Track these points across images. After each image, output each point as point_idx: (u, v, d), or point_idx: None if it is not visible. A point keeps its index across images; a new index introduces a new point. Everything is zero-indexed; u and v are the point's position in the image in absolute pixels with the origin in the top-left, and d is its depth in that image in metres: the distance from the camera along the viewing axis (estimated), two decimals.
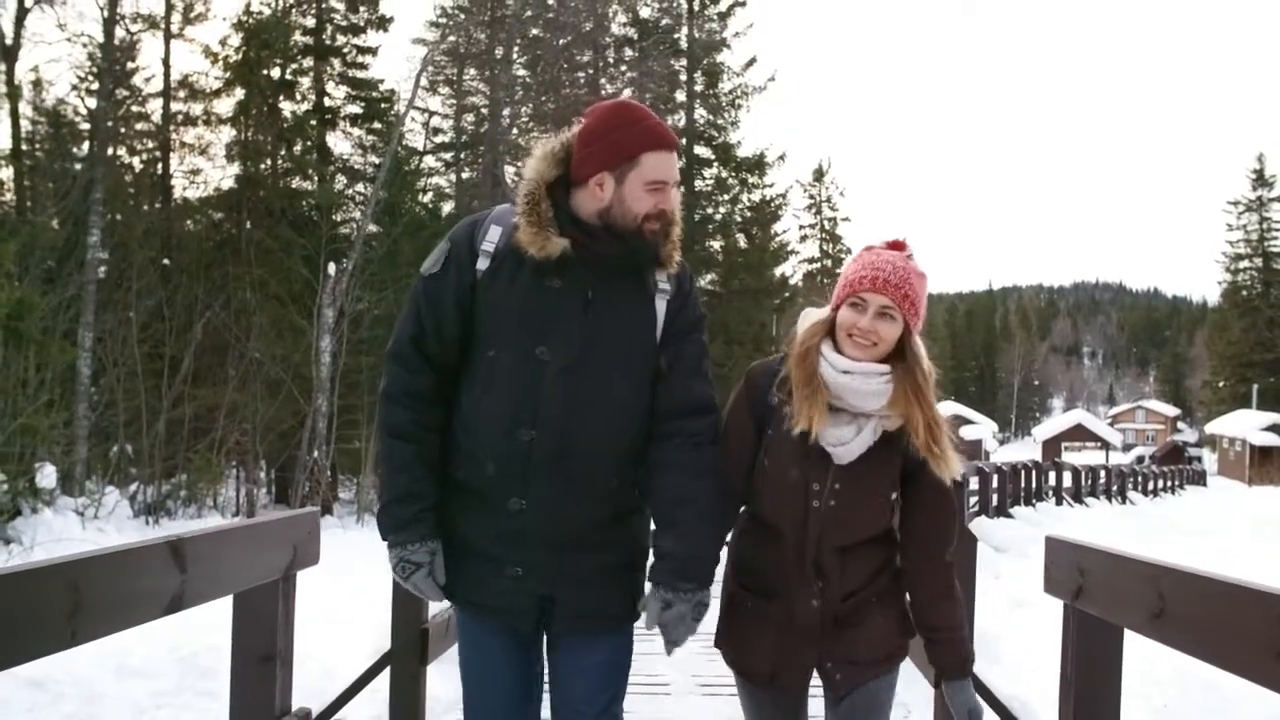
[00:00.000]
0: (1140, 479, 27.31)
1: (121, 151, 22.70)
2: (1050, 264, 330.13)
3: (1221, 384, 63.36)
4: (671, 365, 2.30)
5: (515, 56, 29.22)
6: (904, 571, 2.34)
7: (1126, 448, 75.65)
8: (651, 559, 2.33)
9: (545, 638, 2.41)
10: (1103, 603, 2.43)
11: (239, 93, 22.84)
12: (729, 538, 2.48)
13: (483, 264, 2.24)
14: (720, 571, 2.44)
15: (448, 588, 2.34)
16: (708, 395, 2.34)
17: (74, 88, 22.56)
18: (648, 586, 2.31)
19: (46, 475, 12.34)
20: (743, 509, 2.45)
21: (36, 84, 21.17)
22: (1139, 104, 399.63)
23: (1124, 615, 2.32)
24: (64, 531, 12.00)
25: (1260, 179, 62.71)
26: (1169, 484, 30.32)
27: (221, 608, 6.00)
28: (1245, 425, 53.28)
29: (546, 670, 2.44)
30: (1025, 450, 63.04)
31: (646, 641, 2.38)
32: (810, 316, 2.37)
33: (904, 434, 2.25)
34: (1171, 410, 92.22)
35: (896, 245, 2.30)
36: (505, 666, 2.36)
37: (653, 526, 2.37)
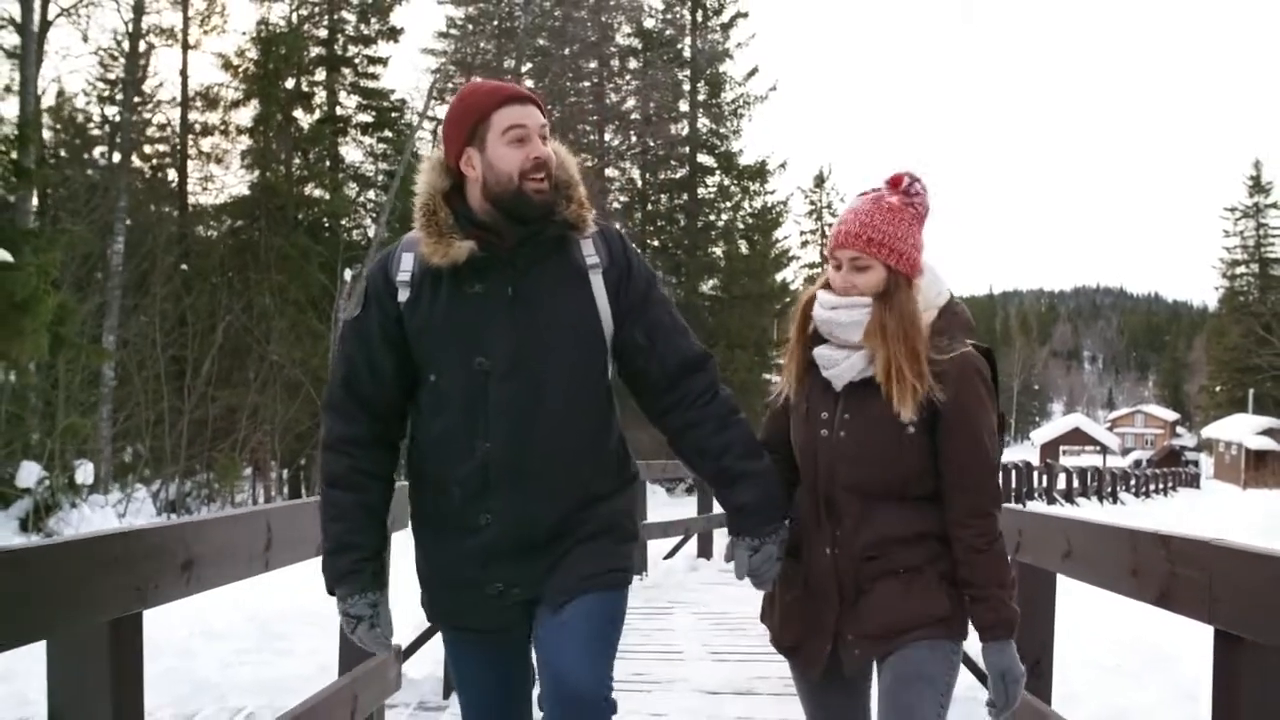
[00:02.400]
0: (1133, 481, 27.93)
1: (137, 161, 23.38)
2: (1051, 269, 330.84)
3: (1218, 388, 63.91)
4: (650, 335, 2.22)
5: (524, 71, 29.83)
6: (949, 530, 2.18)
7: (1125, 452, 76.22)
8: (727, 517, 2.29)
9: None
10: (1034, 552, 3.08)
11: (255, 103, 23.58)
12: None
13: (403, 295, 2.17)
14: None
15: (430, 612, 2.33)
16: (697, 349, 2.28)
17: (97, 97, 23.37)
18: (722, 540, 2.46)
19: (85, 472, 13.03)
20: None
21: (59, 94, 21.94)
22: (1140, 108, 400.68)
23: (1047, 560, 2.97)
24: (104, 525, 12.73)
25: (1257, 185, 63.24)
26: (1160, 486, 30.94)
27: (289, 579, 6.67)
28: (1241, 429, 53.91)
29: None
30: (1024, 454, 63.56)
31: (662, 618, 2.25)
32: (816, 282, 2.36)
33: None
34: (1170, 415, 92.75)
35: (895, 182, 2.24)
36: (496, 669, 2.33)
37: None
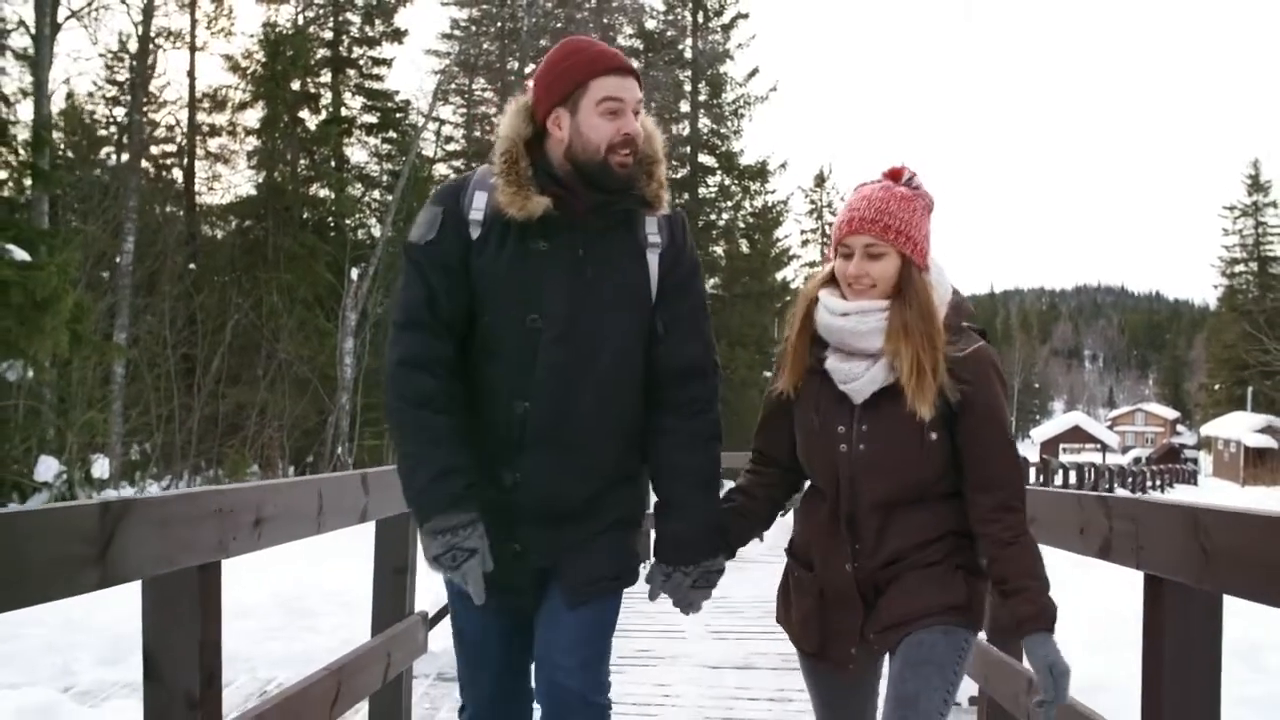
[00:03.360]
0: (1130, 478, 28.25)
1: (145, 164, 23.72)
2: (1052, 267, 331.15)
3: (1217, 386, 64.19)
4: (668, 327, 2.18)
5: (527, 72, 30.13)
6: (972, 527, 2.13)
7: (1125, 450, 76.54)
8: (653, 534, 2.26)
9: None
10: None
11: (262, 104, 23.91)
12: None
13: (474, 232, 2.11)
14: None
15: (434, 564, 2.18)
16: (705, 358, 2.22)
17: (102, 97, 23.71)
18: (649, 561, 2.27)
19: (101, 467, 13.36)
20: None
21: (68, 96, 22.28)
22: (1141, 107, 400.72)
23: None
24: None
25: (1256, 184, 63.52)
26: (1157, 483, 31.26)
27: (310, 564, 7.01)
28: (1240, 427, 54.20)
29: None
30: (1024, 452, 63.59)
31: (664, 600, 2.32)
32: (815, 278, 2.30)
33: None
34: (1170, 413, 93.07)
35: (894, 174, 2.20)
36: (502, 640, 2.27)
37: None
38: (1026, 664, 3.63)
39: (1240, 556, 1.87)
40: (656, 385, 2.20)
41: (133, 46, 21.60)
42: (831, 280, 2.20)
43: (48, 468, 12.76)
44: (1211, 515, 1.95)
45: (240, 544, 2.32)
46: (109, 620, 5.74)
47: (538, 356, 2.09)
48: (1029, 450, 67.32)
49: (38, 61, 16.34)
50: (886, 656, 2.20)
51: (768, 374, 2.91)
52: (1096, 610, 6.17)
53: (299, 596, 6.05)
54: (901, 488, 2.13)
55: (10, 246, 11.87)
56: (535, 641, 2.25)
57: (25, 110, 16.89)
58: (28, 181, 15.17)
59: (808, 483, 2.31)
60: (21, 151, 14.37)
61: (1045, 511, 2.85)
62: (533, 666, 2.27)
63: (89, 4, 19.56)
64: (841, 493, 2.14)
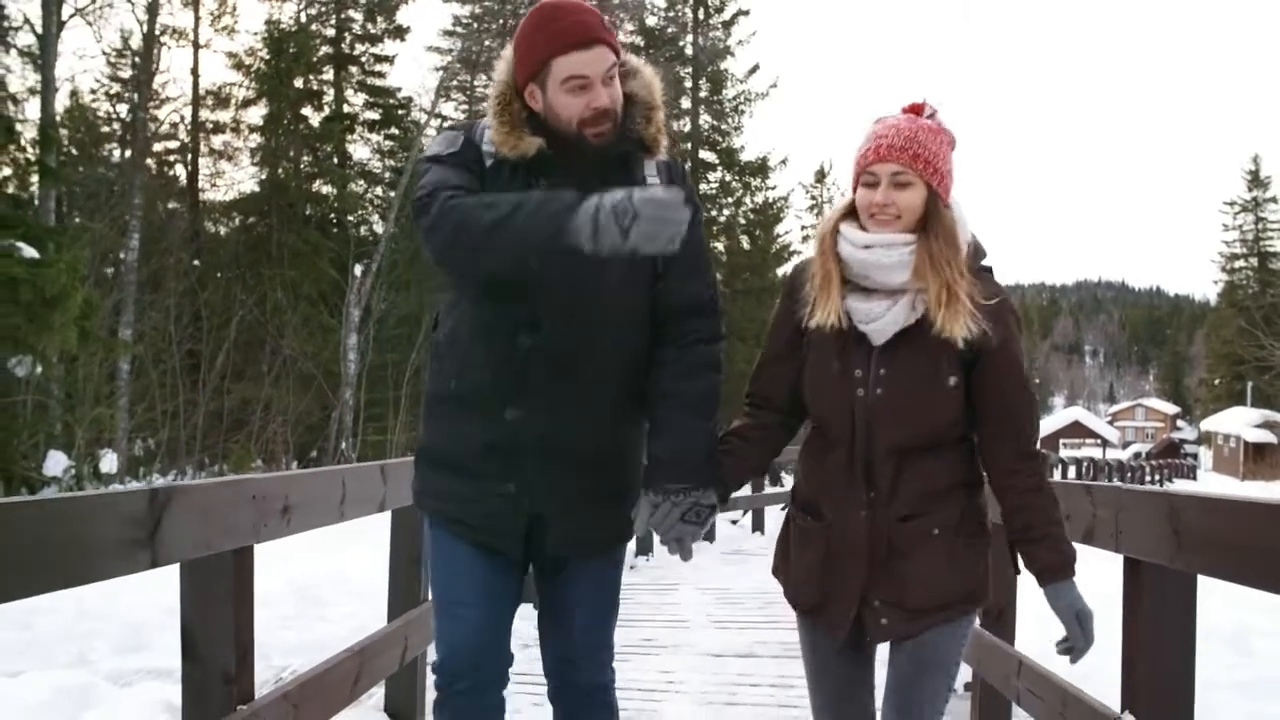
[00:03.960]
0: (1129, 473, 28.39)
1: (149, 161, 23.86)
2: (1052, 263, 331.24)
3: (1217, 382, 64.32)
4: (669, 264, 2.14)
5: None
6: (989, 478, 2.14)
7: (1125, 445, 76.69)
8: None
9: (531, 569, 2.28)
10: (993, 514, 3.53)
11: (265, 101, 24.05)
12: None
13: (488, 161, 2.12)
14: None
15: (422, 498, 2.27)
16: (706, 294, 2.22)
17: (104, 94, 23.85)
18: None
19: (109, 462, 13.50)
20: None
21: (72, 93, 22.42)
22: (1142, 102, 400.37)
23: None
24: None
25: (1256, 180, 63.61)
26: (1156, 478, 31.41)
27: (324, 555, 7.15)
28: (1239, 422, 54.32)
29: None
30: None
31: (669, 592, 2.25)
32: (830, 208, 2.21)
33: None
34: (1171, 408, 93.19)
35: (915, 109, 2.14)
36: (486, 588, 2.18)
37: None
38: (1018, 646, 3.79)
39: (1211, 539, 2.01)
40: (659, 323, 2.18)
41: (136, 43, 21.76)
42: (849, 214, 2.12)
43: (56, 462, 12.88)
44: (1184, 500, 2.09)
45: (271, 529, 2.45)
46: (125, 608, 5.89)
47: (542, 294, 2.08)
48: None
49: (44, 59, 16.47)
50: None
51: None
52: (1090, 597, 6.31)
53: (311, 585, 6.19)
54: (917, 434, 2.07)
55: (19, 244, 12.01)
56: (541, 634, 2.28)
57: (31, 108, 17.10)
58: (34, 179, 15.31)
59: (807, 429, 2.23)
60: (29, 149, 14.49)
61: None
62: (541, 656, 2.30)
63: (93, 1, 19.75)
64: (857, 438, 2.07)
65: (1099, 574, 3.55)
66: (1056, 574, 2.05)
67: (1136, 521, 2.31)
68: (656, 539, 2.23)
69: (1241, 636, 5.83)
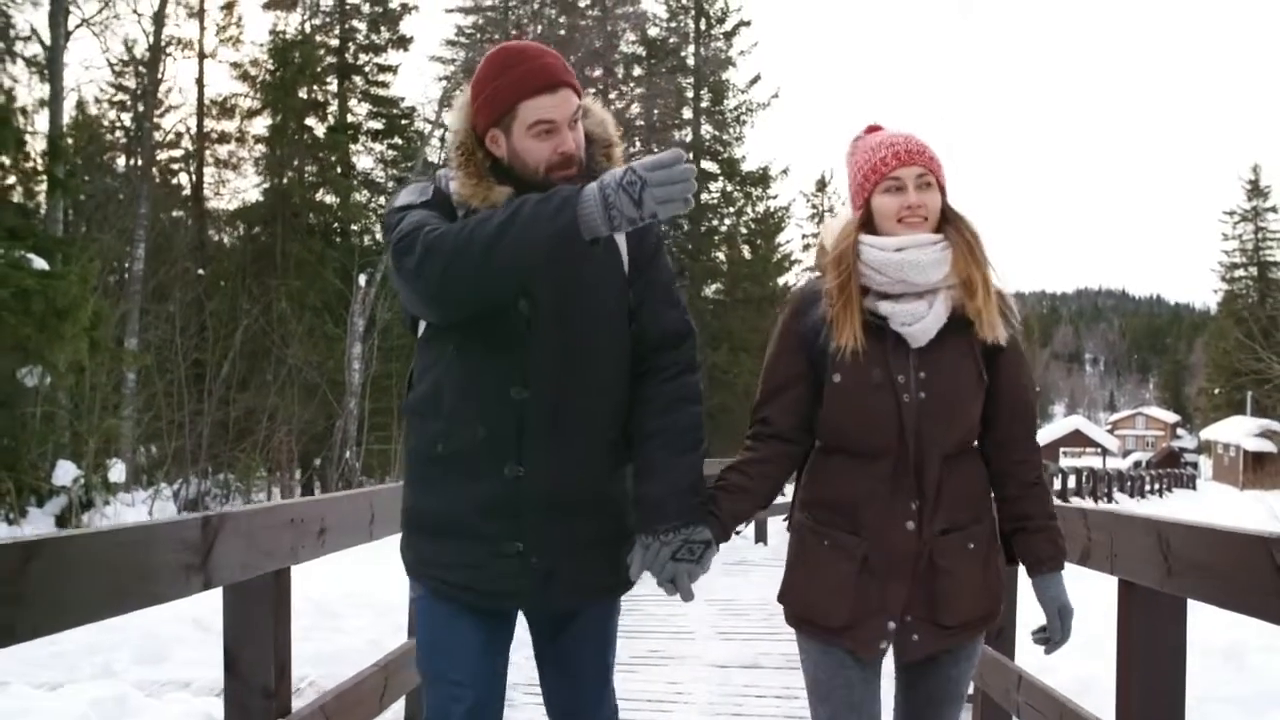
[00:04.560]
0: (1128, 482, 28.50)
1: (154, 170, 24.04)
2: (1053, 270, 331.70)
3: (1217, 391, 64.44)
4: (642, 299, 2.14)
5: None
6: (992, 470, 2.16)
7: (1126, 454, 76.77)
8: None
9: (526, 616, 2.23)
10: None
11: (270, 111, 24.24)
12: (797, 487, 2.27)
13: (459, 211, 2.05)
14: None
15: (417, 566, 2.17)
16: (681, 322, 2.19)
17: (108, 102, 24.04)
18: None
19: (118, 471, 13.62)
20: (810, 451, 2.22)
21: (78, 103, 22.60)
22: (1143, 110, 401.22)
23: None
24: (136, 522, 13.35)
25: (1255, 189, 63.85)
26: (1155, 487, 31.52)
27: (339, 570, 7.29)
28: (1239, 431, 54.45)
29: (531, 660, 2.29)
30: None
31: (674, 603, 2.24)
32: (833, 228, 2.20)
33: (968, 310, 2.09)
34: (1171, 417, 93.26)
35: (875, 129, 2.20)
36: (484, 665, 2.14)
37: None
38: (1018, 661, 3.91)
39: (1197, 565, 2.14)
40: (637, 359, 2.15)
41: (139, 51, 21.93)
42: (862, 228, 2.12)
43: (65, 472, 13.00)
44: (1171, 528, 2.22)
45: (308, 551, 2.59)
46: (141, 619, 6.00)
47: (531, 342, 2.03)
48: None
49: (52, 70, 16.64)
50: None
51: None
52: (1088, 613, 6.44)
53: (328, 600, 6.34)
54: (958, 435, 2.10)
55: (29, 255, 12.16)
56: (543, 683, 2.25)
57: (39, 119, 17.24)
58: (38, 186, 15.45)
59: (819, 450, 2.18)
60: (38, 160, 14.64)
61: None
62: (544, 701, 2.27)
63: (100, 11, 19.94)
64: (907, 442, 2.05)
65: (1095, 589, 3.67)
66: (1049, 565, 2.13)
67: (1129, 546, 2.44)
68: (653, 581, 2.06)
69: (1237, 652, 5.96)
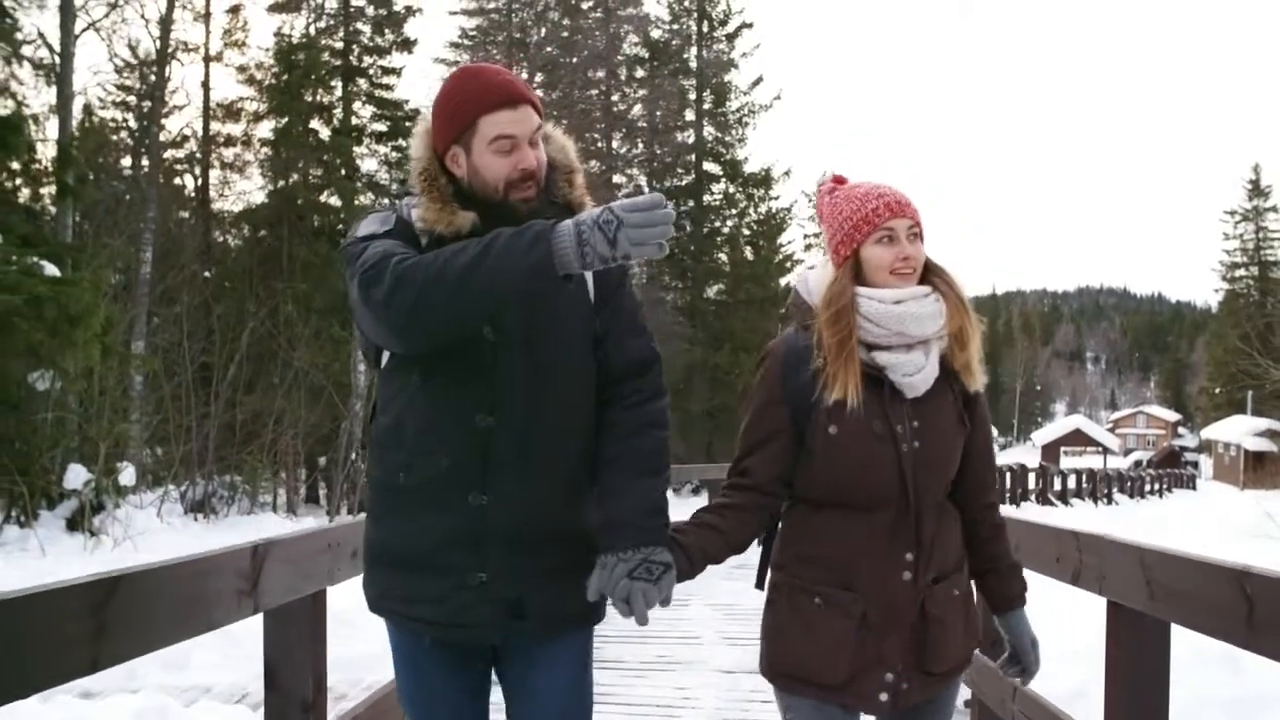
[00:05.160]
0: (1128, 482, 28.64)
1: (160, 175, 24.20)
2: (1054, 269, 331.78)
3: (1217, 390, 64.55)
4: (608, 327, 2.12)
5: (535, 80, 30.57)
6: (965, 515, 2.19)
7: (1127, 452, 76.92)
8: None
9: (496, 652, 2.18)
10: None
11: (275, 116, 24.39)
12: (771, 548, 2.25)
13: (423, 240, 2.03)
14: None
15: (379, 601, 2.12)
16: (647, 350, 2.16)
17: (112, 103, 24.19)
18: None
19: (128, 475, 13.78)
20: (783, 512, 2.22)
21: (85, 108, 22.74)
22: (1145, 108, 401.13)
23: None
24: (147, 525, 13.52)
25: (1256, 189, 63.94)
26: (1156, 487, 31.66)
27: (355, 583, 7.47)
28: (1239, 431, 54.55)
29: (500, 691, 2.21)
30: (1026, 455, 64.28)
31: (680, 608, 2.07)
32: (812, 280, 2.21)
33: (955, 361, 2.13)
34: (1172, 415, 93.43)
35: (842, 180, 2.21)
36: (464, 680, 2.14)
37: None
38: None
39: (1176, 592, 2.29)
40: (602, 387, 2.13)
41: (143, 52, 22.10)
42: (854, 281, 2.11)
43: (76, 475, 13.17)
44: (1153, 555, 2.37)
45: (343, 573, 2.74)
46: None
47: (497, 370, 2.01)
48: (1030, 453, 67.75)
49: (62, 77, 16.77)
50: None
51: None
52: (1080, 623, 6.59)
53: (344, 609, 6.49)
54: (946, 482, 2.14)
55: (42, 262, 12.31)
56: (512, 708, 2.17)
57: (49, 125, 17.38)
58: (47, 190, 15.58)
59: (804, 506, 2.16)
60: (49, 166, 14.79)
61: (1030, 542, 3.28)
62: None
63: (106, 15, 20.07)
64: (908, 491, 2.06)
65: (1086, 600, 3.82)
66: (1019, 602, 2.25)
67: (1116, 569, 2.59)
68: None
69: (1230, 656, 6.09)
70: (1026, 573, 2.36)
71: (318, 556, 2.60)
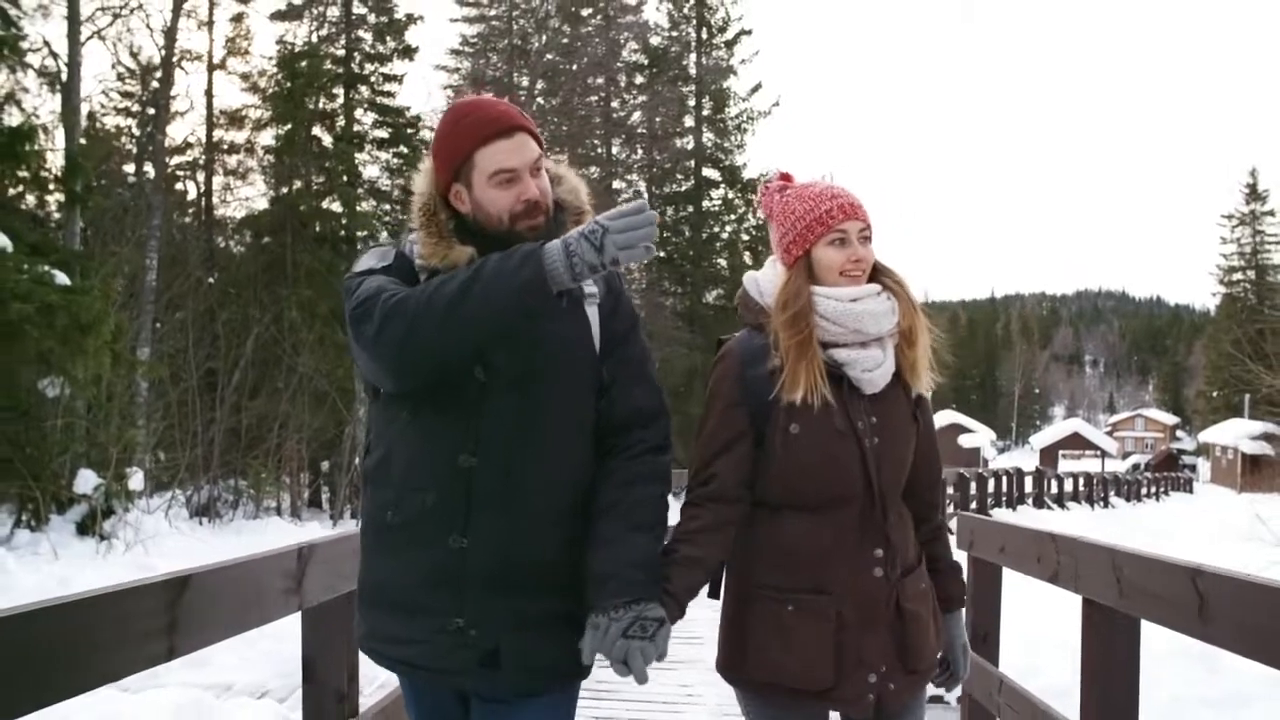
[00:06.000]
0: (1125, 485, 28.85)
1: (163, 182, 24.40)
2: (1053, 272, 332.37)
3: (1215, 394, 64.77)
4: (614, 376, 2.07)
5: (536, 88, 30.81)
6: (917, 515, 2.23)
7: (1125, 456, 77.12)
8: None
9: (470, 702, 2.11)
10: (982, 549, 4.03)
11: (278, 124, 24.62)
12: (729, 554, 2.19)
13: (422, 276, 2.01)
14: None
15: (368, 642, 2.09)
16: (653, 401, 2.11)
17: (114, 109, 24.40)
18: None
19: (137, 479, 13.98)
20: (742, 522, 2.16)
21: (89, 115, 22.95)
22: (1144, 111, 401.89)
23: (991, 555, 3.92)
24: (156, 529, 13.73)
25: (1253, 193, 64.25)
26: (1153, 490, 31.88)
27: None
28: (1237, 434, 54.75)
29: None
30: (1024, 458, 64.53)
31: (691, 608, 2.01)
32: (763, 280, 2.25)
33: (903, 359, 2.16)
34: (1170, 419, 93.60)
35: (788, 177, 2.28)
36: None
37: None
38: (1002, 668, 4.27)
39: (1142, 589, 2.51)
40: (604, 435, 2.08)
41: (145, 58, 22.29)
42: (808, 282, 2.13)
43: (86, 480, 13.36)
44: (1123, 555, 2.58)
45: None
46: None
47: (485, 410, 1.97)
48: (1028, 457, 67.95)
49: (70, 86, 16.97)
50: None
51: None
52: (1070, 622, 6.81)
53: None
54: (903, 478, 2.16)
55: (53, 270, 12.52)
56: None
57: (56, 133, 17.58)
58: (48, 197, 15.76)
59: (764, 510, 2.13)
60: (56, 175, 14.97)
61: (1013, 544, 3.51)
62: None
63: (111, 24, 20.29)
64: (873, 487, 2.07)
65: (1073, 599, 4.03)
66: (956, 604, 2.28)
67: (1090, 569, 2.81)
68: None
69: (1210, 654, 6.30)
70: (1010, 574, 2.56)
71: (351, 558, 2.79)
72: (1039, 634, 6.46)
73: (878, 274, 2.16)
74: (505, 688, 2.00)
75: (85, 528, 13.26)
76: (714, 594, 2.24)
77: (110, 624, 1.78)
